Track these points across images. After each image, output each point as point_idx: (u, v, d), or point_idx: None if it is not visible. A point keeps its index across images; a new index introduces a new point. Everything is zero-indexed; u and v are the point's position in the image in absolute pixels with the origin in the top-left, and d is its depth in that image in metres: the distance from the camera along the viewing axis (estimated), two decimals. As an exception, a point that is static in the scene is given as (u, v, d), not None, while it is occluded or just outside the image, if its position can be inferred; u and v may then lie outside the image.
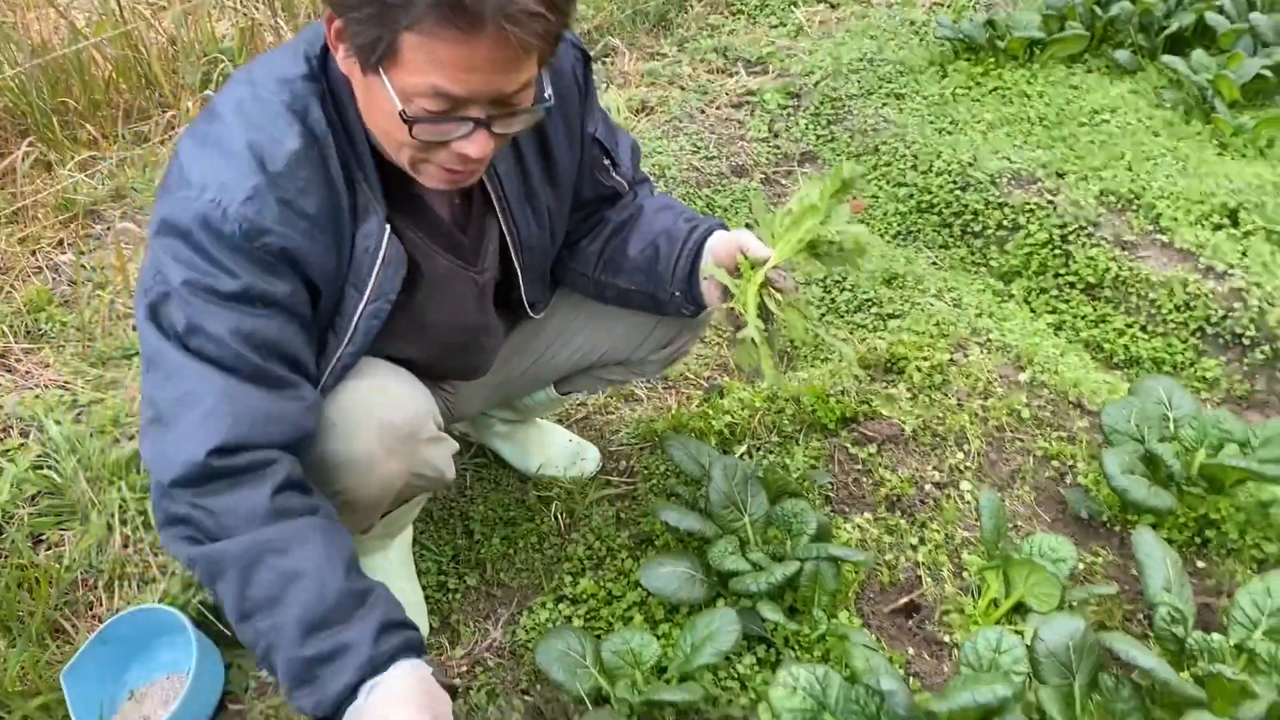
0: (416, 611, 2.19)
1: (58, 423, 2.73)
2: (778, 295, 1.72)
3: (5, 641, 2.18)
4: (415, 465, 1.81)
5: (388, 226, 1.63)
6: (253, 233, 1.47)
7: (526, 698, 2.01)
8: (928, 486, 2.38)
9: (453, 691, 1.99)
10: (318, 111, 1.55)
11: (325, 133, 1.55)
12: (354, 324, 1.66)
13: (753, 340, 1.70)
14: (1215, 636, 1.85)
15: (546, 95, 1.54)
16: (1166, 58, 4.10)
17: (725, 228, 1.90)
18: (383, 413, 1.71)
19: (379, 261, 1.63)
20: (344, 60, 1.47)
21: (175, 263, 1.48)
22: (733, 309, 1.77)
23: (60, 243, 3.57)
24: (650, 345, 2.17)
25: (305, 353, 1.61)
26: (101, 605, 2.28)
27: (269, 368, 1.54)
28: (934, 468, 2.43)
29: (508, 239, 1.84)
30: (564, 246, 2.04)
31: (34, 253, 3.50)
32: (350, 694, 1.47)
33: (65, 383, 2.97)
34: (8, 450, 2.69)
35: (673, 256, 1.89)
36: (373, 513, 1.88)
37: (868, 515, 2.33)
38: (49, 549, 2.44)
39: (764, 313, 1.72)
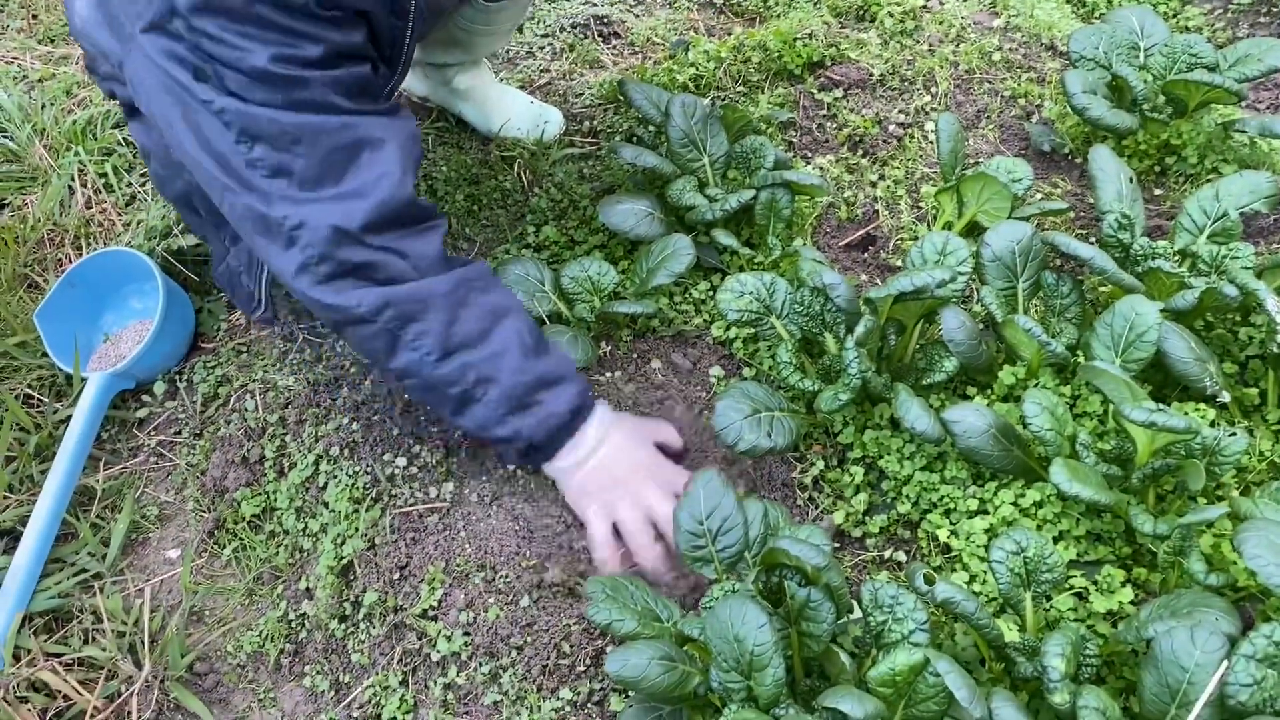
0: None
1: (8, 93, 2.67)
2: None
3: (-22, 291, 2.22)
4: None
5: None
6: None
7: (488, 325, 2.06)
8: (891, 127, 2.35)
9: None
10: None
11: None
12: (405, 52, 1.65)
13: None
14: (1160, 242, 1.87)
15: None
16: None
17: None
18: None
19: None
20: None
21: (251, 43, 1.40)
22: None
23: (-7, -81, 3.36)
24: None
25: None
26: (70, 261, 2.30)
27: (378, 107, 1.55)
28: (899, 110, 2.39)
29: None
30: None
31: (-34, -70, 3.30)
32: (569, 419, 1.61)
33: (14, 58, 2.88)
34: (-40, 121, 2.64)
35: None
36: None
37: (830, 156, 2.31)
38: (13, 212, 2.44)
39: None
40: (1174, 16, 2.83)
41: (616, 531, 1.62)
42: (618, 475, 1.63)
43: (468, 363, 1.56)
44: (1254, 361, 1.78)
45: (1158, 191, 2.19)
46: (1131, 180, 1.98)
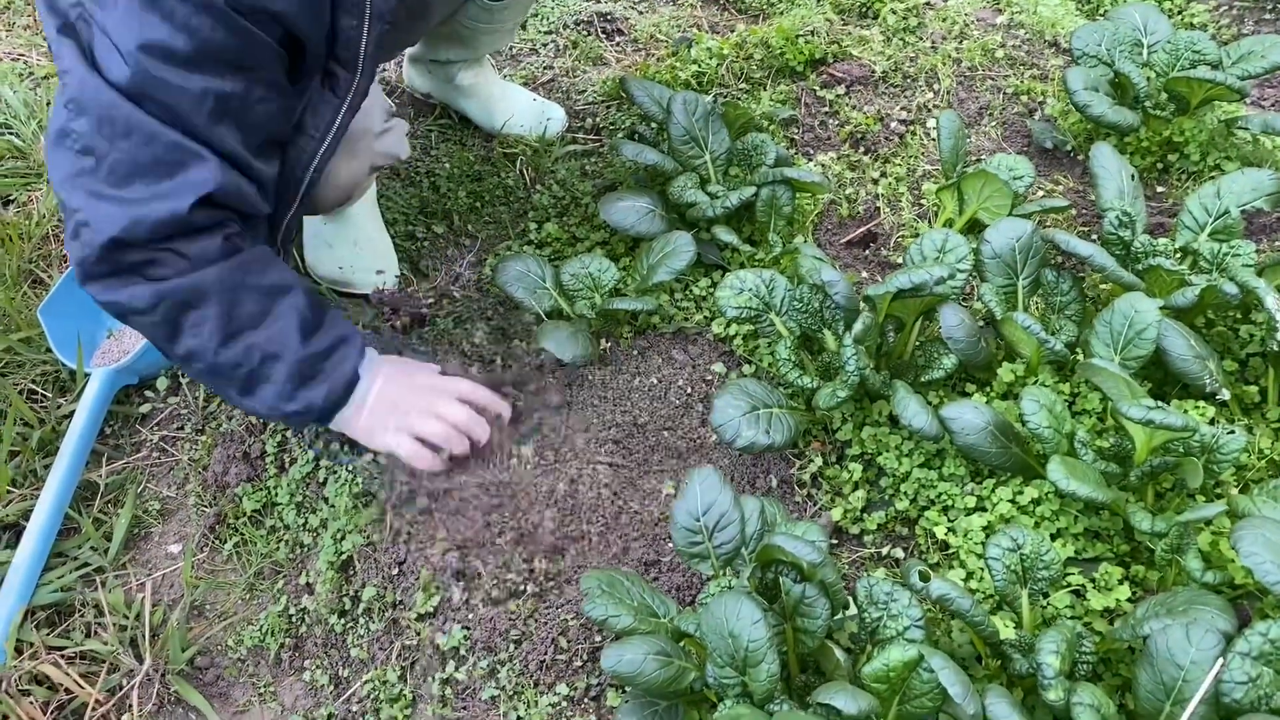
0: (386, 256, 2.21)
1: (14, 90, 2.68)
2: None
3: (-18, 287, 2.23)
4: (374, 159, 1.92)
5: None
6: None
7: (490, 321, 2.07)
8: (894, 124, 2.35)
9: (422, 319, 2.06)
10: None
11: None
12: (361, 53, 1.57)
13: None
14: (1161, 240, 1.87)
15: None
16: None
17: None
18: None
19: None
20: None
21: (122, 6, 1.32)
22: None
23: (0, -83, 3.37)
24: None
25: (272, 120, 1.52)
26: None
27: (236, 144, 1.47)
28: (902, 107, 2.38)
29: None
30: None
31: (-27, -73, 3.32)
32: (353, 379, 1.64)
33: (19, 54, 2.89)
34: (-34, 117, 2.66)
35: None
36: (343, 204, 2.03)
37: (831, 154, 2.31)
38: (18, 209, 2.45)
39: None
40: (1178, 13, 2.82)
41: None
42: (399, 401, 1.70)
43: (251, 344, 1.56)
44: (1254, 359, 1.78)
45: (1160, 189, 2.18)
46: (1133, 178, 1.97)
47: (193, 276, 1.49)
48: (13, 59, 2.88)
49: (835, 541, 1.69)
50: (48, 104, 2.65)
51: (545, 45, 2.87)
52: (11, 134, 2.60)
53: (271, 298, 1.58)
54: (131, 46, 1.34)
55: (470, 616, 1.62)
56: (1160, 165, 2.21)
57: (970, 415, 1.59)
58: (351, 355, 1.66)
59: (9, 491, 1.93)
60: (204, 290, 1.50)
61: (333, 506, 1.81)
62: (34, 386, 2.11)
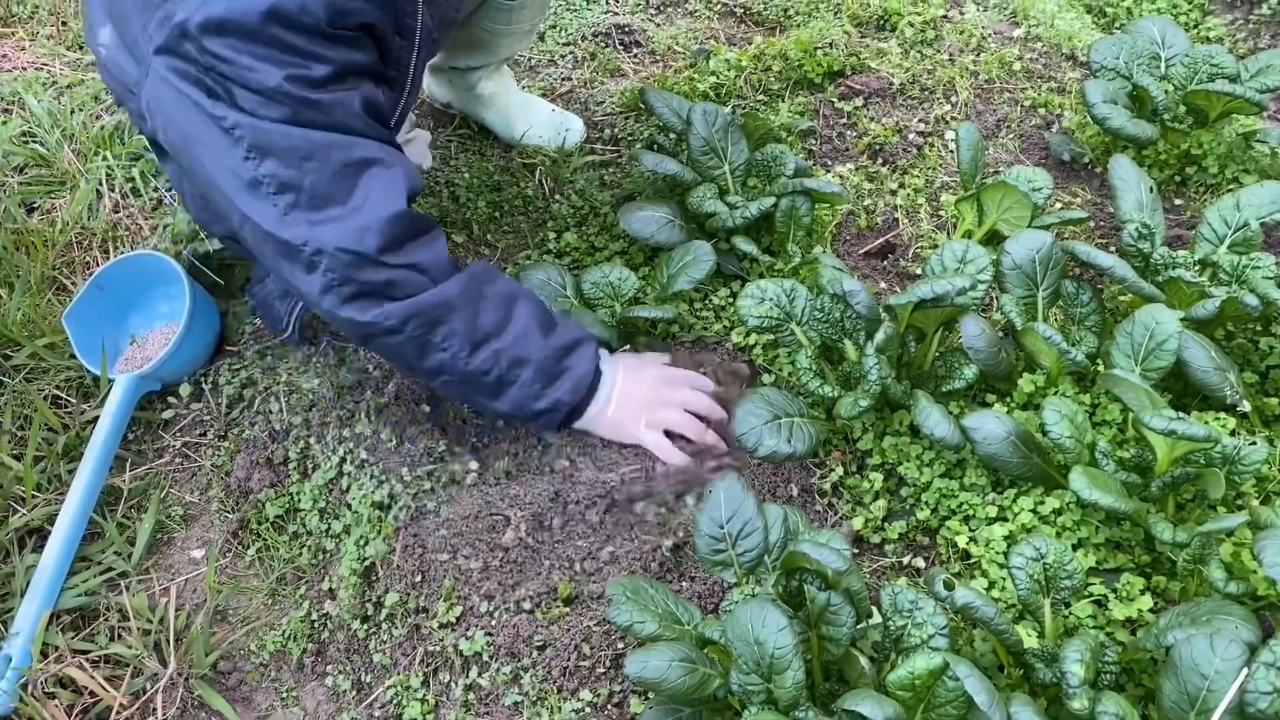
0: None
1: (39, 99, 2.71)
2: None
3: (8, 293, 2.25)
4: None
5: None
6: (336, 14, 1.42)
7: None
8: (911, 136, 2.36)
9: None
10: None
11: None
12: (410, 72, 1.65)
13: None
14: (1181, 252, 1.88)
15: None
16: None
17: None
18: None
19: (420, 1, 1.59)
20: None
21: (263, 64, 1.41)
22: None
23: (23, -73, 3.41)
24: None
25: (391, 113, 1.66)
26: (97, 264, 2.33)
27: (381, 130, 1.57)
28: (919, 119, 2.40)
29: None
30: None
31: (-3, -62, 3.35)
32: (596, 374, 1.75)
33: (43, 64, 2.93)
34: (-9, 126, 2.69)
35: None
36: None
37: (850, 165, 2.33)
38: (42, 215, 2.48)
39: None
40: (1195, 27, 2.83)
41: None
42: (642, 397, 1.79)
43: (498, 350, 1.65)
44: (1275, 371, 1.78)
45: (1178, 201, 2.19)
46: (1152, 190, 1.98)
47: (438, 290, 1.59)
48: (36, 68, 2.91)
49: (856, 551, 1.69)
50: (71, 112, 2.68)
51: (563, 57, 2.89)
52: (36, 142, 2.63)
53: (509, 304, 1.69)
54: (271, 89, 1.42)
55: (493, 623, 1.63)
56: (1179, 178, 2.21)
57: (992, 425, 1.60)
58: (589, 352, 1.76)
59: (34, 496, 1.95)
60: (450, 304, 1.60)
61: (355, 513, 1.82)
62: (58, 392, 2.13)
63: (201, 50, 1.41)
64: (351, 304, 1.55)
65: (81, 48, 2.99)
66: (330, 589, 1.79)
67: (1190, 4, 2.86)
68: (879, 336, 1.66)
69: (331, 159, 1.49)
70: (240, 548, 1.91)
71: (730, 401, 1.82)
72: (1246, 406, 1.66)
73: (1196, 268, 1.87)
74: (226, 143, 1.47)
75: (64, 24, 3.05)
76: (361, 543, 1.78)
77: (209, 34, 1.39)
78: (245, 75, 1.41)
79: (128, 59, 1.65)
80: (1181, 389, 1.74)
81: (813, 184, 2.05)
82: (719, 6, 3.00)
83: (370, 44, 1.53)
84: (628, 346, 1.99)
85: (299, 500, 1.90)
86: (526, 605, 1.63)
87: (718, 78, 2.55)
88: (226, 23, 1.38)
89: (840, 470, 1.76)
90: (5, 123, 2.68)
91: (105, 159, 2.53)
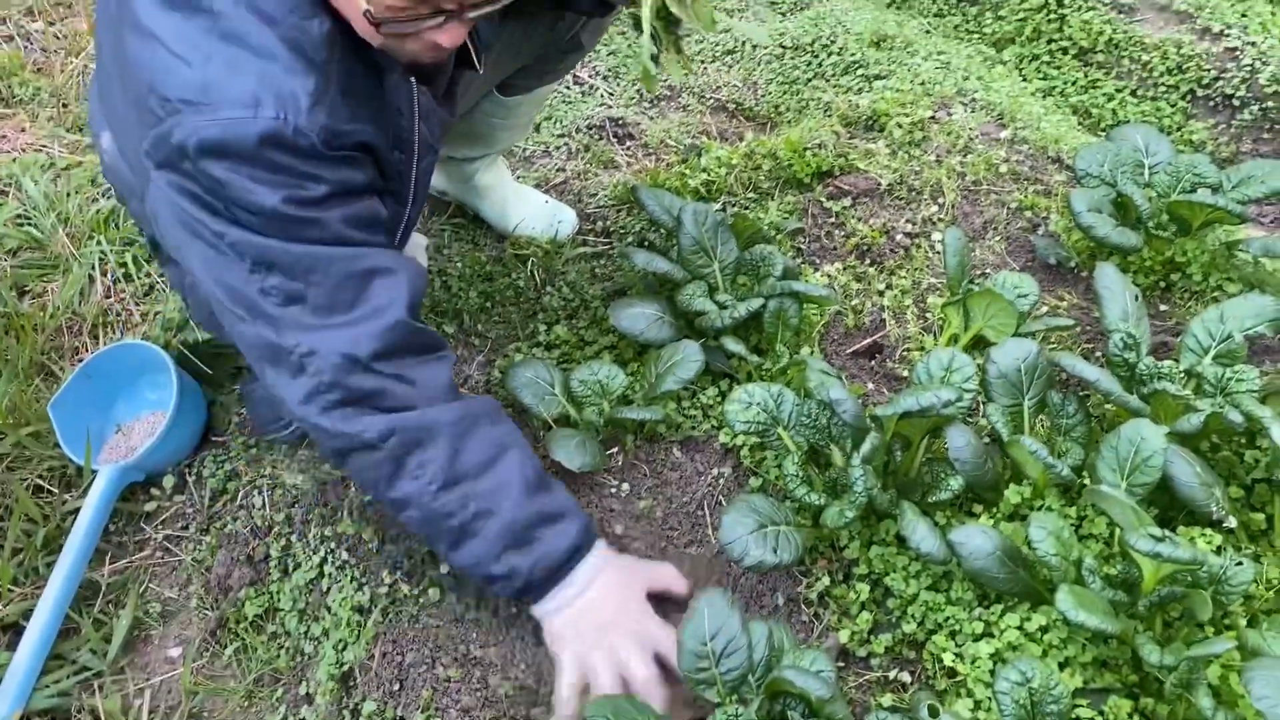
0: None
1: (35, 181, 2.73)
2: None
3: (-4, 380, 2.25)
4: None
5: (413, 80, 1.59)
6: (332, 138, 1.44)
7: (497, 426, 2.08)
8: (899, 236, 2.39)
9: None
10: None
11: (333, 11, 1.46)
12: (412, 185, 1.66)
13: (652, 40, 1.70)
14: (1166, 363, 1.89)
15: None
16: None
17: None
18: None
19: (416, 118, 1.61)
20: None
21: (260, 185, 1.42)
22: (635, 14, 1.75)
23: (30, 11, 3.48)
24: (566, 27, 2.13)
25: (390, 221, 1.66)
26: (86, 350, 2.34)
27: (382, 238, 1.59)
28: (907, 220, 2.43)
29: (469, 45, 1.75)
30: None
31: (4, 20, 3.41)
32: (566, 559, 1.59)
33: (42, 146, 2.96)
34: (-13, 208, 2.70)
35: None
36: None
37: (837, 265, 2.35)
38: (33, 299, 2.48)
39: (666, 13, 1.71)
40: (1178, 130, 2.89)
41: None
42: (599, 623, 1.59)
43: (469, 494, 1.55)
44: (1260, 485, 1.78)
45: (1163, 307, 2.21)
46: (1137, 298, 2.00)
47: (427, 412, 1.54)
48: (35, 150, 2.94)
49: (842, 664, 1.67)
50: (67, 195, 2.70)
51: (558, 148, 2.93)
52: (31, 224, 2.64)
53: (498, 450, 1.59)
54: (270, 209, 1.43)
55: (472, 736, 1.61)
56: (1164, 284, 2.24)
57: (979, 540, 1.59)
58: (570, 531, 1.61)
59: (10, 590, 1.93)
60: (436, 428, 1.54)
61: (335, 616, 1.80)
62: (41, 482, 2.12)
63: (200, 171, 1.42)
64: (333, 411, 1.51)
65: (81, 129, 3.03)
66: (308, 694, 1.76)
67: (1173, 108, 2.92)
68: (865, 447, 1.66)
69: (334, 270, 1.50)
70: (218, 647, 1.88)
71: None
72: (1232, 523, 1.65)
73: (1182, 379, 1.88)
74: (230, 258, 1.48)
75: (65, 106, 3.09)
76: (340, 647, 1.76)
77: (206, 157, 1.40)
78: (244, 196, 1.42)
79: (127, 168, 1.66)
80: (1168, 503, 1.73)
81: (800, 287, 2.07)
82: (711, 101, 3.05)
83: (368, 161, 1.55)
84: (616, 449, 1.99)
85: (279, 600, 1.87)
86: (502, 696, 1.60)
87: (709, 174, 2.59)
88: (223, 146, 1.39)
89: (827, 579, 1.75)
90: (1, 204, 2.69)
91: (99, 243, 2.54)
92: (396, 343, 1.53)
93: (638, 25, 1.79)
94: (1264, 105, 2.80)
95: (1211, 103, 2.89)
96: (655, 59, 1.81)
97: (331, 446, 1.57)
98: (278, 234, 1.46)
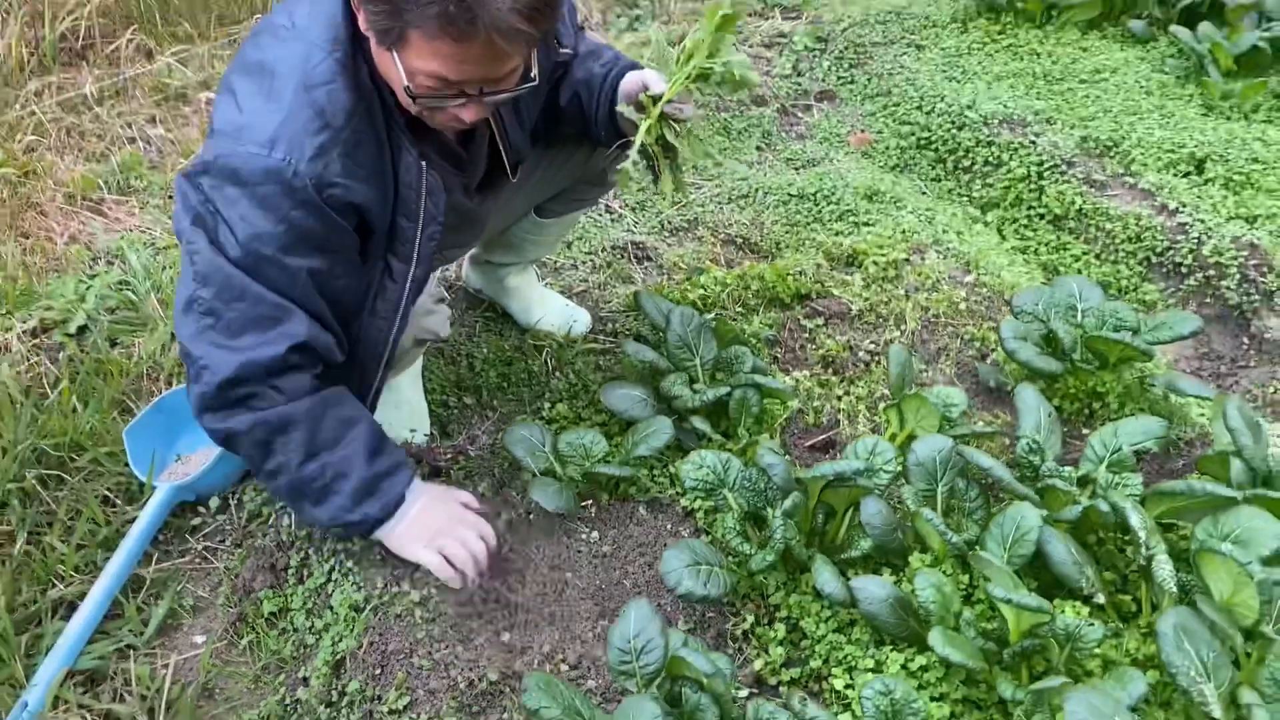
0: (420, 419, 2.61)
1: (138, 255, 3.22)
2: (675, 125, 2.08)
3: (84, 408, 2.66)
4: (418, 332, 2.31)
5: (423, 164, 1.97)
6: (321, 186, 1.79)
7: (494, 477, 2.43)
8: (861, 353, 2.75)
9: (438, 470, 2.43)
10: (365, 69, 1.84)
11: (370, 88, 1.85)
12: (416, 249, 2.03)
13: (637, 165, 2.06)
14: (1067, 468, 2.20)
15: (533, 76, 1.86)
16: (1176, 28, 4.33)
17: (637, 66, 2.23)
18: None
19: (422, 193, 1.98)
20: (363, 24, 1.75)
21: (250, 210, 1.74)
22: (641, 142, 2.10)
23: (153, 119, 4.07)
24: (597, 160, 2.52)
25: (348, 293, 1.98)
26: (161, 394, 2.75)
27: (322, 308, 1.92)
28: (870, 340, 2.79)
29: (499, 143, 2.20)
30: None
31: (130, 125, 4.01)
32: (402, 498, 2.05)
33: (146, 229, 3.46)
34: (96, 273, 3.19)
35: (593, 103, 2.24)
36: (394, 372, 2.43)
37: (805, 372, 2.71)
38: (122, 349, 2.92)
39: (664, 141, 2.09)
40: (1134, 290, 3.24)
41: None
42: (431, 524, 2.05)
43: (328, 462, 1.95)
44: (1134, 575, 2.05)
45: (1085, 431, 2.52)
46: (1050, 415, 2.32)
47: (287, 407, 1.91)
48: (141, 231, 3.45)
49: (755, 690, 1.95)
50: (164, 269, 3.18)
51: (584, 263, 3.36)
52: (129, 289, 3.11)
53: (346, 426, 1.98)
54: (246, 236, 1.79)
55: (433, 711, 1.91)
56: (1087, 411, 2.55)
57: (874, 588, 1.89)
58: (403, 478, 2.05)
59: (72, 575, 2.28)
60: (294, 418, 1.92)
61: (335, 614, 2.13)
62: (108, 494, 2.50)
63: (211, 185, 1.79)
64: (214, 413, 1.89)
65: (181, 217, 3.53)
66: (304, 678, 2.08)
67: (1131, 271, 3.28)
68: (787, 503, 1.98)
69: (255, 309, 1.82)
70: (235, 637, 2.20)
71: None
72: (1101, 599, 1.93)
73: (1078, 482, 2.18)
74: (186, 261, 1.85)
75: (170, 198, 3.62)
76: (336, 639, 2.08)
77: (221, 176, 1.76)
78: (232, 219, 1.77)
79: None
80: (1050, 580, 2.01)
81: (762, 380, 2.43)
82: (723, 235, 3.48)
83: (352, 219, 1.86)
84: (590, 502, 2.33)
85: (291, 601, 2.20)
86: (462, 685, 1.91)
87: (705, 290, 2.99)
88: (236, 172, 1.74)
89: (752, 619, 2.04)
90: (108, 271, 3.18)
91: (184, 307, 2.99)
92: (273, 370, 1.87)
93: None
94: (1207, 273, 3.15)
95: (1164, 268, 3.25)
96: (655, 178, 2.18)
97: (215, 438, 1.96)
98: (234, 259, 1.78)
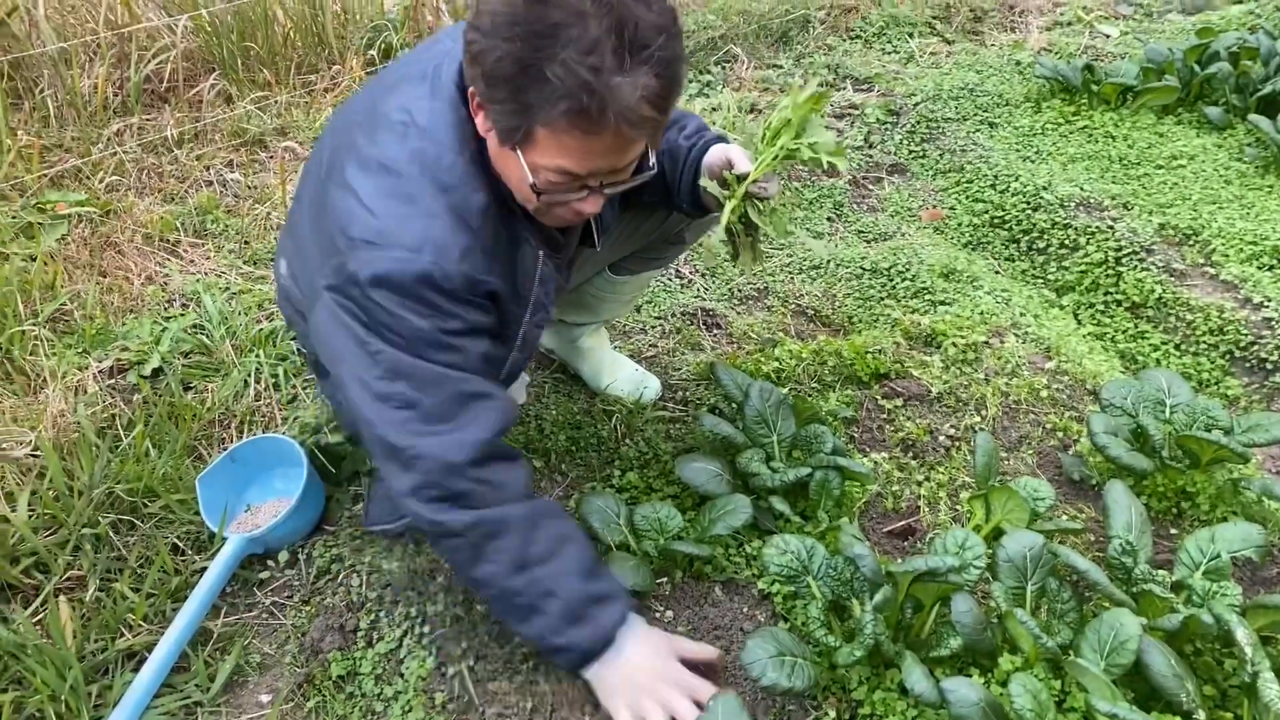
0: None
1: (213, 299, 3.24)
2: (759, 204, 2.07)
3: (157, 453, 2.66)
4: None
5: (541, 253, 2.02)
6: (471, 284, 1.85)
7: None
8: (941, 438, 2.70)
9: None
10: (492, 169, 1.88)
11: (496, 185, 1.89)
12: (521, 335, 2.06)
13: (724, 242, 2.06)
14: (1161, 572, 2.13)
15: (650, 164, 1.88)
16: (1255, 117, 4.30)
17: (723, 139, 2.22)
18: None
19: (536, 280, 2.03)
20: (482, 125, 1.79)
21: (410, 314, 1.79)
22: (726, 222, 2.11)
23: (230, 163, 4.13)
24: (674, 222, 2.52)
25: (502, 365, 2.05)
26: (233, 440, 2.75)
27: (493, 376, 1.98)
28: (951, 424, 2.74)
29: (593, 225, 2.22)
30: None
31: (208, 168, 4.07)
32: (614, 632, 1.96)
33: (222, 272, 3.49)
34: (171, 316, 3.21)
35: (676, 173, 2.24)
36: None
37: (884, 454, 2.66)
38: (195, 394, 2.93)
39: (746, 219, 2.08)
40: (1215, 384, 3.17)
41: None
42: (641, 681, 1.92)
43: (538, 576, 1.90)
44: (1234, 690, 1.97)
45: (1174, 531, 2.45)
46: (1141, 515, 2.25)
47: (503, 509, 1.89)
48: (216, 275, 3.48)
49: (837, 789, 1.89)
50: (238, 314, 3.20)
51: (654, 328, 3.35)
52: (204, 334, 3.13)
53: (560, 541, 1.96)
54: (411, 332, 1.81)
55: (508, 794, 1.86)
56: (1175, 510, 2.48)
57: (965, 690, 1.82)
58: (616, 610, 1.96)
59: (141, 624, 2.26)
60: (510, 523, 1.90)
61: (406, 682, 2.09)
62: (178, 542, 2.49)
63: (365, 296, 1.81)
64: (431, 504, 1.87)
65: (257, 263, 3.57)
66: (371, 746, 2.04)
67: (1212, 364, 3.22)
68: (878, 597, 1.93)
69: (448, 389, 1.85)
70: (302, 699, 2.17)
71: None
72: (1201, 715, 1.85)
73: (1173, 588, 2.11)
74: (368, 363, 1.85)
75: (246, 243, 3.65)
76: (406, 709, 2.04)
77: (373, 285, 1.79)
78: (396, 320, 1.80)
79: (299, 291, 2.11)
80: (1147, 692, 1.94)
81: (844, 462, 2.39)
82: (793, 306, 3.46)
83: (492, 308, 1.93)
84: (664, 579, 2.28)
85: (360, 665, 2.17)
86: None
87: (780, 364, 2.96)
88: (388, 279, 1.78)
89: (834, 714, 1.98)
90: (183, 314, 3.20)
91: (258, 356, 3.00)
92: (484, 454, 1.87)
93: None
94: (1293, 370, 3.08)
95: (1248, 363, 3.18)
96: (735, 254, 2.19)
97: (428, 531, 1.93)
98: (414, 352, 1.83)
